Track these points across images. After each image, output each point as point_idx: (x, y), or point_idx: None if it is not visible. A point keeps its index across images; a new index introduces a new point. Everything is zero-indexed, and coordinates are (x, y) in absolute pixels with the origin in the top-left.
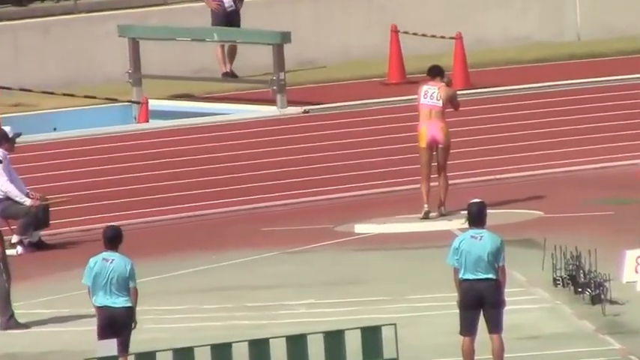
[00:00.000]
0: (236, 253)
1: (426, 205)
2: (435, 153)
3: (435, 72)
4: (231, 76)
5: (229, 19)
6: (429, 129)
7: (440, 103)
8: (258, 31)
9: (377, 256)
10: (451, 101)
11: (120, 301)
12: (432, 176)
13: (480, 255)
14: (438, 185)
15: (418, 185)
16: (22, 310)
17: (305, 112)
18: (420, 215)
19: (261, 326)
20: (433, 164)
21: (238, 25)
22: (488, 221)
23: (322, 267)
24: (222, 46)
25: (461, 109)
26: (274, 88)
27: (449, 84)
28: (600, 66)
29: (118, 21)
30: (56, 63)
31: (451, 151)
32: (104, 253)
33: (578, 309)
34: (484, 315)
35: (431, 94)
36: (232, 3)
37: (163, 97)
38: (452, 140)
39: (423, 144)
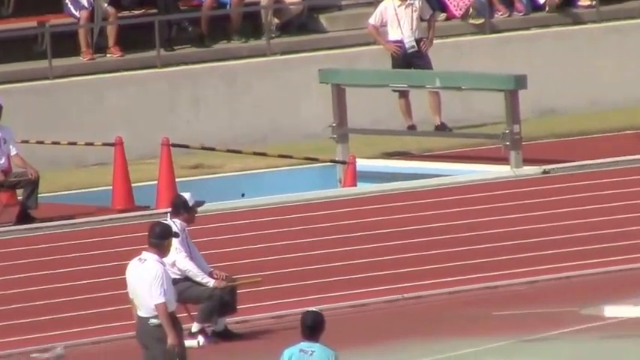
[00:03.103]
0: (459, 341)
1: None
2: None
3: None
4: (442, 129)
5: (410, 62)
6: None
7: None
8: (486, 74)
9: (632, 346)
10: None
11: None
12: None
13: None
14: None
15: None
16: None
17: (545, 172)
18: None
19: None
20: None
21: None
22: None
23: (565, 358)
24: (405, 95)
25: None
26: (507, 143)
27: None
28: None
29: (319, 64)
30: (244, 116)
31: None
32: (302, 343)
33: None
34: None
35: None
36: (414, 43)
37: (373, 156)
38: None
39: None
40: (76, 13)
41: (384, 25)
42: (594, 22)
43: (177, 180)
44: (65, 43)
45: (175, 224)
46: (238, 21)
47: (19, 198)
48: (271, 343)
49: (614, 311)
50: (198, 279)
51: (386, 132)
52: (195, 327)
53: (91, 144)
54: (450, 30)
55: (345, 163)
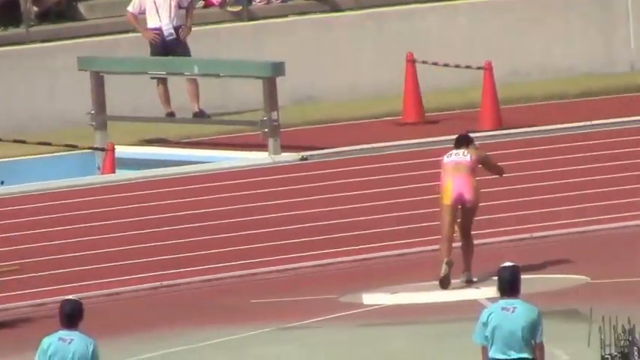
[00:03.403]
0: (219, 330)
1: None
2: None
3: (461, 143)
4: (200, 116)
5: (169, 49)
6: (456, 184)
7: (468, 158)
8: (245, 62)
9: (389, 333)
10: (485, 164)
11: None
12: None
13: (512, 330)
14: (462, 248)
15: (436, 247)
16: None
17: (303, 159)
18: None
19: None
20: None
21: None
22: (523, 289)
23: (324, 346)
24: (164, 82)
25: (489, 153)
26: (265, 130)
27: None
28: None
29: (78, 52)
30: (2, 104)
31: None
32: (61, 331)
33: None
34: None
35: (455, 153)
36: (172, 31)
37: (133, 143)
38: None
39: (448, 201)
40: None
41: (142, 12)
42: (352, 9)
43: None
44: None
45: None
46: None
47: None
48: (30, 331)
49: (371, 299)
50: None
51: (145, 119)
52: None
53: None
54: (208, 17)
55: (104, 150)
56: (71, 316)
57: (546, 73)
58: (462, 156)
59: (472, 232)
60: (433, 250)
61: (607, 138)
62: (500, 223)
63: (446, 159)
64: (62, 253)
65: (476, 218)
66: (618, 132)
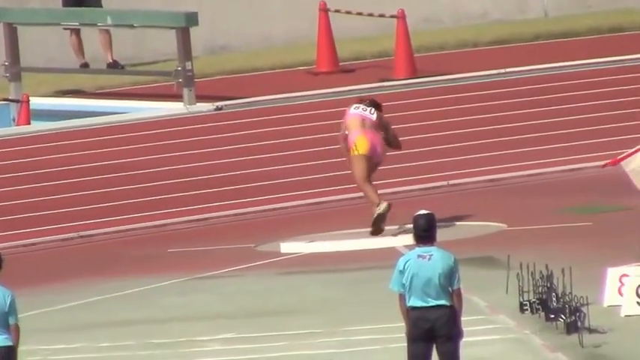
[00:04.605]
0: (136, 280)
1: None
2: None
3: (370, 104)
4: (114, 66)
5: (81, 0)
6: (368, 137)
7: (374, 117)
8: (158, 12)
9: (307, 281)
10: (386, 131)
11: None
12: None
13: (429, 277)
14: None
15: (352, 195)
16: None
17: (217, 108)
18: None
19: None
20: None
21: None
22: (440, 237)
23: (241, 295)
24: (77, 33)
25: (405, 101)
26: (180, 80)
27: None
28: (571, 47)
29: None
30: None
31: (393, 152)
32: None
33: (551, 339)
34: (437, 349)
35: (363, 108)
36: None
37: (47, 94)
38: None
39: (364, 151)
40: None
41: None
42: None
43: None
44: None
45: None
46: None
47: None
48: None
49: (289, 247)
50: None
51: (59, 70)
52: None
53: None
54: None
55: (18, 102)
56: None
57: (459, 21)
58: (369, 113)
59: (386, 180)
60: (350, 199)
61: (520, 85)
62: (415, 171)
63: (352, 110)
64: None
65: (391, 167)
66: (531, 79)
